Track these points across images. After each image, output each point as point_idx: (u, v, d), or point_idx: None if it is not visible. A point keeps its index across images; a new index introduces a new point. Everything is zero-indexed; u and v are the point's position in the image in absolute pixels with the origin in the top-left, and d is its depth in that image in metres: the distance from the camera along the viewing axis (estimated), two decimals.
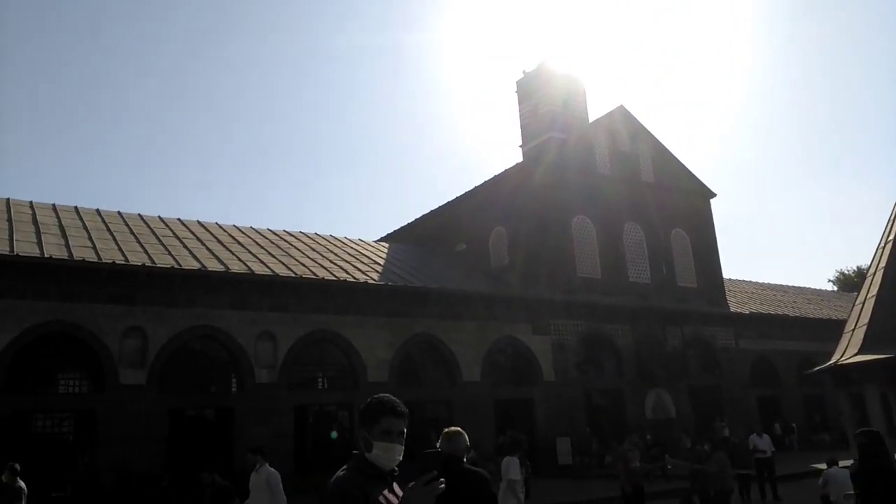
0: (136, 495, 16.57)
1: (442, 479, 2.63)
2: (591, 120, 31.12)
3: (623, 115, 31.71)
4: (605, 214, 29.05)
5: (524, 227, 28.09)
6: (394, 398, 2.86)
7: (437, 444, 5.13)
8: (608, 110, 31.43)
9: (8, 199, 21.59)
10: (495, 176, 30.08)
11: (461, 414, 22.68)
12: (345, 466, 2.85)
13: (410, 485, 2.63)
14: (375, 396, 2.89)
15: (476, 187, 30.80)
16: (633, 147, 31.44)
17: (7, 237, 17.77)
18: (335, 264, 23.28)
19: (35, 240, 18.20)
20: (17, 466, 10.77)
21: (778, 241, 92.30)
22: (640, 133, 31.99)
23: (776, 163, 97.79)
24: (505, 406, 24.00)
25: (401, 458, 2.81)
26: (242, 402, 19.04)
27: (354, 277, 21.95)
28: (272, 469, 9.47)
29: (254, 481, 9.42)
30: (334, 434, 21.03)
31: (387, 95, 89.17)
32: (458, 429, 4.93)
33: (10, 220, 19.47)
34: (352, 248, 27.29)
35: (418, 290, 22.73)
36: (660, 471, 19.58)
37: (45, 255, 16.91)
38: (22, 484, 10.65)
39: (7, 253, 16.47)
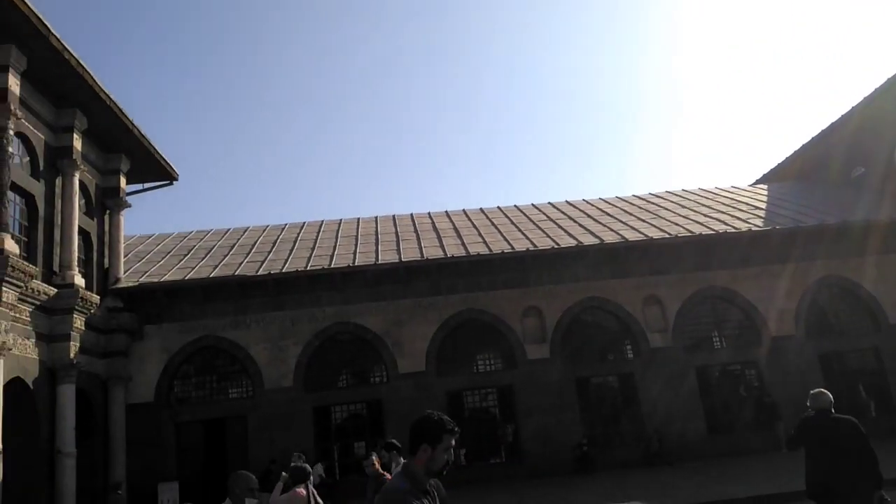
0: (559, 460, 18.04)
1: None
2: None
3: None
4: None
5: None
6: None
7: (808, 404, 5.96)
8: None
9: (393, 216, 25.46)
10: (889, 79, 25.16)
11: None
12: None
13: None
14: None
15: (864, 99, 26.17)
16: None
17: (416, 245, 20.94)
18: (710, 217, 22.10)
19: (437, 244, 21.10)
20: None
21: None
22: None
23: None
24: None
25: None
26: (640, 367, 19.32)
27: (735, 227, 20.54)
28: None
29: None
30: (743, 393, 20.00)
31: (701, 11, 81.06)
32: (822, 389, 5.97)
33: (395, 233, 22.82)
34: (725, 197, 25.61)
35: (814, 230, 20.23)
36: None
37: (448, 255, 19.48)
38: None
39: (418, 259, 19.40)
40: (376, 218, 25.31)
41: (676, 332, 19.60)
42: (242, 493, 4.92)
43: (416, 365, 18.98)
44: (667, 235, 20.10)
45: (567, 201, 26.48)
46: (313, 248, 21.37)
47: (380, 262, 19.36)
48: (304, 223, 25.12)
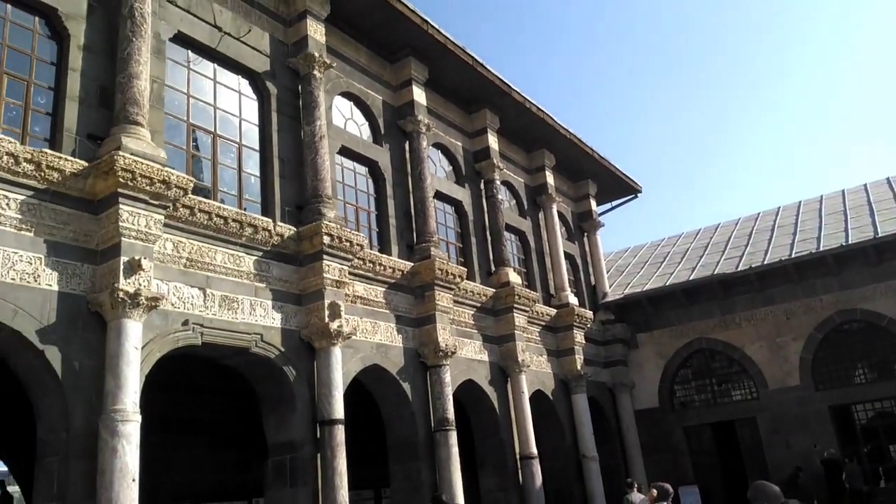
0: None
1: None
2: None
3: None
4: None
5: None
6: None
7: None
8: None
9: (888, 178, 21.16)
10: None
11: None
12: None
13: None
14: None
15: None
16: None
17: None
18: None
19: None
20: None
21: None
22: None
23: None
24: None
25: None
26: None
27: None
28: None
29: None
30: None
31: None
32: None
33: (894, 198, 18.91)
34: None
35: None
36: None
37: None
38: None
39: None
40: (865, 185, 21.71)
41: None
42: None
43: None
44: None
45: None
46: (795, 233, 19.47)
47: (880, 234, 16.53)
48: (780, 207, 23.07)
